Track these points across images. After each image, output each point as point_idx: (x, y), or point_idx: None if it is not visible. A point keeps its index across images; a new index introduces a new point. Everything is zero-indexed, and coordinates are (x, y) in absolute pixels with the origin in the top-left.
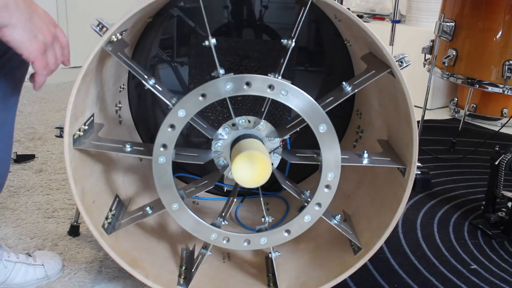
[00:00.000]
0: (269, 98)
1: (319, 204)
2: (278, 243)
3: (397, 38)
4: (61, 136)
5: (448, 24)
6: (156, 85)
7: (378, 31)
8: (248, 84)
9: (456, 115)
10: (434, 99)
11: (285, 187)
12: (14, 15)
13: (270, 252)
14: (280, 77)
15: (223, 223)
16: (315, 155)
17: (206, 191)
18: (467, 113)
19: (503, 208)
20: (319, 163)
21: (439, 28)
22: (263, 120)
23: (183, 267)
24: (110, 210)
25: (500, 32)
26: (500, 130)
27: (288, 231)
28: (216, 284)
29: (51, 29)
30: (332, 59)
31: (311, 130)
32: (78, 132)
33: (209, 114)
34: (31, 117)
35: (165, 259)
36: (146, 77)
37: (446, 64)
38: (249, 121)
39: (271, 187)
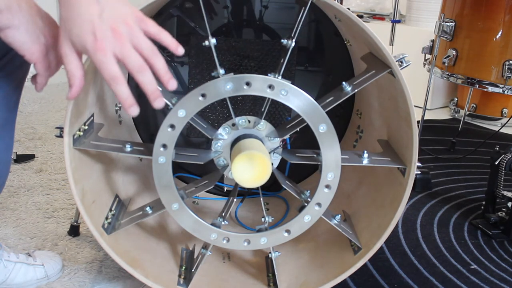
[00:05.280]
0: (269, 98)
1: (319, 204)
2: (278, 243)
3: (397, 38)
4: (61, 136)
5: (448, 24)
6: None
7: (378, 31)
8: (248, 84)
9: (456, 115)
10: (434, 99)
11: (285, 187)
12: (17, 16)
13: (270, 252)
14: (280, 77)
15: (223, 223)
16: (315, 155)
17: (206, 191)
18: (467, 113)
19: (503, 208)
20: (319, 163)
21: (439, 28)
22: (263, 120)
23: (183, 267)
24: (110, 210)
25: (500, 32)
26: (500, 130)
27: (288, 231)
28: (216, 284)
29: (53, 31)
30: (332, 59)
31: (311, 130)
32: (78, 132)
33: (209, 114)
34: (31, 117)
35: (165, 259)
36: None
37: (446, 64)
38: (249, 121)
39: (271, 187)
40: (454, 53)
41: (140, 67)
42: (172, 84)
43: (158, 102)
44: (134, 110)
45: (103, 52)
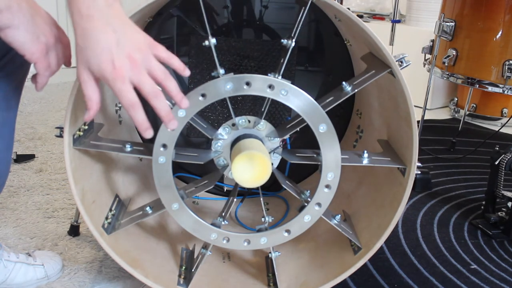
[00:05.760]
0: (269, 98)
1: (319, 204)
2: (278, 243)
3: (397, 38)
4: (61, 136)
5: (448, 24)
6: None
7: (378, 31)
8: (248, 84)
9: (456, 115)
10: (434, 99)
11: (285, 187)
12: (17, 16)
13: (270, 252)
14: (280, 77)
15: (223, 223)
16: (315, 155)
17: (206, 191)
18: (467, 113)
19: (503, 208)
20: (319, 163)
21: (439, 28)
22: (263, 120)
23: (183, 267)
24: (110, 210)
25: (500, 32)
26: (500, 130)
27: (288, 231)
28: (216, 284)
29: (53, 30)
30: (332, 59)
31: (311, 130)
32: (78, 132)
33: (209, 114)
34: (31, 117)
35: (165, 259)
36: None
37: (446, 64)
38: (249, 121)
39: (271, 187)
40: (454, 53)
41: (155, 92)
42: (185, 103)
43: (172, 124)
44: (149, 133)
45: (122, 80)
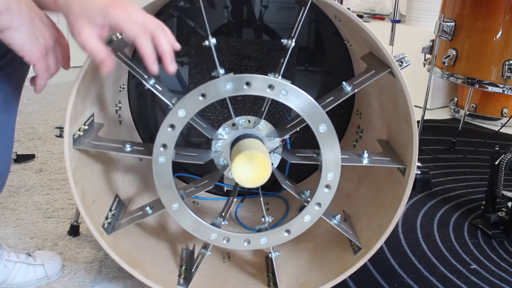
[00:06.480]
0: (269, 98)
1: (319, 204)
2: (278, 243)
3: (397, 38)
4: (61, 136)
5: (448, 24)
6: (156, 85)
7: (378, 31)
8: (248, 84)
9: (456, 115)
10: (434, 99)
11: (285, 187)
12: (16, 18)
13: (270, 252)
14: (280, 77)
15: (223, 223)
16: (315, 155)
17: (206, 191)
18: (467, 113)
19: (503, 208)
20: (319, 163)
21: (439, 28)
22: (263, 120)
23: (183, 267)
24: (110, 210)
25: (500, 32)
26: (500, 130)
27: (288, 231)
28: (216, 284)
29: (53, 32)
30: (332, 59)
31: (311, 130)
32: (78, 132)
33: (209, 114)
34: (31, 117)
35: (165, 259)
36: (146, 77)
37: (446, 64)
38: (249, 121)
39: (271, 187)
40: (454, 53)
41: (159, 28)
42: (172, 68)
43: (154, 68)
44: (155, 68)
45: (123, 8)
